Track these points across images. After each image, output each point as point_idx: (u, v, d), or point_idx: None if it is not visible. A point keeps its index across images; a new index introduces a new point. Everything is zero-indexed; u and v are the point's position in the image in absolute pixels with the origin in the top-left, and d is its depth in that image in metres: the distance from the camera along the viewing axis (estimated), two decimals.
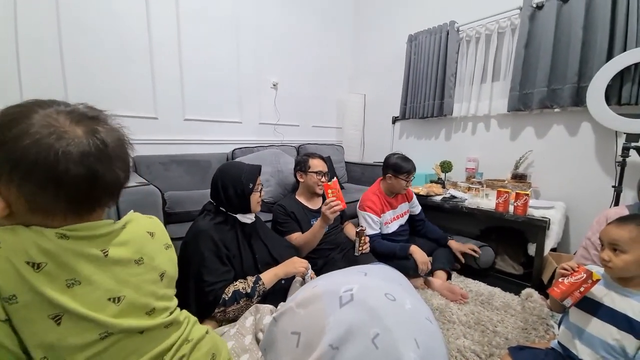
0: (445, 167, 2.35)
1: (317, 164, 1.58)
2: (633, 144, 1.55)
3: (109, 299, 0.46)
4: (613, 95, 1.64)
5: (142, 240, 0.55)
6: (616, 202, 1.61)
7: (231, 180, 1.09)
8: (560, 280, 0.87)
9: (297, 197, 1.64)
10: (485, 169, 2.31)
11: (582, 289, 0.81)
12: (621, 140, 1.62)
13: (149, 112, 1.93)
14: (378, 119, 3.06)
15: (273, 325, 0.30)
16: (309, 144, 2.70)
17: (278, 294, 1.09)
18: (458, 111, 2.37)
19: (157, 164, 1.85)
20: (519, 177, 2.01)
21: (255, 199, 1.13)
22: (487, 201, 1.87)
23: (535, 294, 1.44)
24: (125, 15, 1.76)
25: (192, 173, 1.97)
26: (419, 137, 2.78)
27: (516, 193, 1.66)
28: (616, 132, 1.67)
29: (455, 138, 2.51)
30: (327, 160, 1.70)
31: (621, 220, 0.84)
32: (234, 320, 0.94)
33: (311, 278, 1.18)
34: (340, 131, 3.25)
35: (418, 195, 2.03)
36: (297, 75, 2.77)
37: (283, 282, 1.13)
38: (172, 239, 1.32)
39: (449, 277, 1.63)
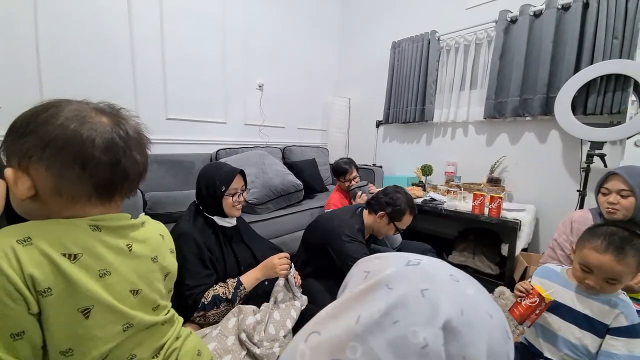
0: (426, 170, 2.44)
1: (407, 222, 1.38)
2: (597, 152, 1.67)
3: (130, 291, 0.49)
4: (579, 105, 1.77)
5: (157, 241, 0.59)
6: (581, 206, 1.73)
7: (205, 182, 1.07)
8: (518, 300, 0.92)
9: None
10: (463, 172, 2.41)
11: (537, 312, 0.88)
12: (586, 148, 1.74)
13: (129, 110, 1.88)
14: (362, 123, 3.12)
15: (354, 267, 0.37)
16: (294, 145, 2.72)
17: (261, 297, 1.08)
18: (438, 117, 2.47)
19: None
20: (494, 181, 2.12)
21: (228, 203, 1.07)
22: (464, 204, 1.95)
23: (507, 292, 1.52)
24: (106, 9, 1.71)
25: (175, 173, 1.93)
26: (401, 141, 2.86)
27: (491, 196, 1.74)
28: (581, 140, 1.79)
29: (436, 143, 2.60)
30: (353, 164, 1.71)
31: (619, 253, 0.80)
32: (215, 323, 0.94)
33: (294, 277, 1.17)
34: (325, 133, 3.29)
35: None
36: (283, 77, 2.78)
37: (266, 283, 1.13)
38: None
39: None
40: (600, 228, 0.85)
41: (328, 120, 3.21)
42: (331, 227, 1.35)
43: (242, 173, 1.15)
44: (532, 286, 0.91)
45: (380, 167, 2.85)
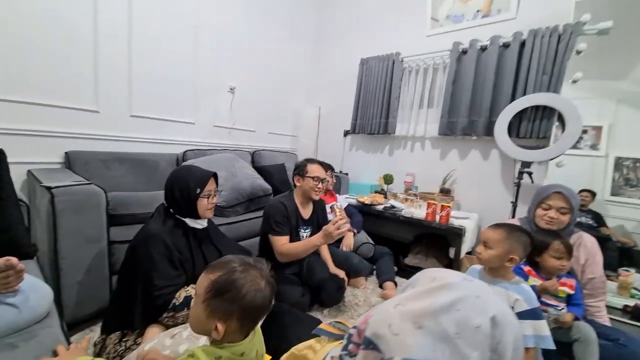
0: (388, 179, 2.63)
1: (315, 170, 1.57)
2: (526, 170, 1.98)
3: None
4: (514, 129, 2.07)
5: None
6: (513, 215, 2.02)
7: (179, 184, 1.09)
8: None
9: (294, 199, 1.61)
10: (420, 182, 2.64)
11: None
12: (518, 166, 2.04)
13: (90, 104, 1.78)
14: (331, 131, 3.25)
15: (420, 274, 0.50)
16: (264, 150, 2.75)
17: None
18: (400, 130, 2.69)
19: (96, 161, 1.72)
20: (445, 191, 2.37)
21: (203, 204, 1.11)
22: (419, 211, 2.16)
23: None
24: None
25: (137, 173, 1.87)
26: (366, 150, 3.04)
27: (441, 205, 1.96)
28: (514, 159, 2.10)
29: (397, 154, 2.82)
30: (327, 167, 1.72)
31: (495, 225, 1.09)
32: (183, 324, 0.95)
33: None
34: (295, 139, 3.37)
35: (363, 204, 2.25)
36: (255, 81, 2.81)
37: None
38: (114, 242, 1.28)
39: (395, 285, 1.84)
40: (503, 222, 1.11)
41: (298, 127, 3.30)
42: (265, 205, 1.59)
43: (215, 175, 1.18)
44: None
45: (347, 174, 3.00)
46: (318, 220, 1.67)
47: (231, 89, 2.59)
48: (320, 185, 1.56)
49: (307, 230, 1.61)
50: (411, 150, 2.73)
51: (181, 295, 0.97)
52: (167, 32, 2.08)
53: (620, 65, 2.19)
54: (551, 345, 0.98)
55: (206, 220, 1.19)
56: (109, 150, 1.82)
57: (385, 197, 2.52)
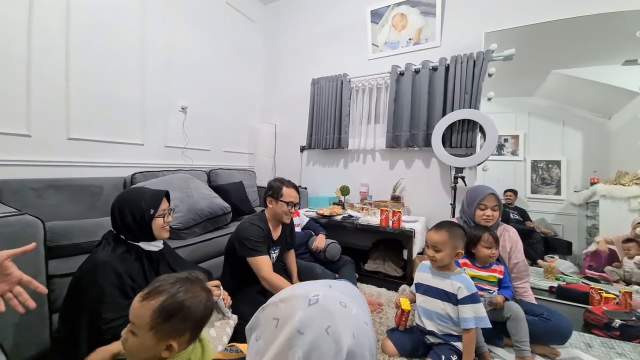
0: (344, 191, 2.77)
1: (290, 194, 1.53)
2: (459, 175, 2.27)
3: None
4: (447, 140, 2.37)
5: None
6: (452, 215, 2.28)
7: (129, 207, 1.04)
8: (396, 311, 1.39)
9: (267, 221, 1.57)
10: (374, 192, 2.83)
11: (403, 319, 1.33)
12: (453, 172, 2.33)
13: (19, 128, 1.62)
14: (288, 147, 3.34)
15: (260, 312, 0.41)
16: (220, 169, 2.72)
17: None
18: (352, 144, 2.88)
19: (26, 190, 1.55)
20: (396, 198, 2.58)
21: (158, 224, 1.08)
22: (375, 218, 2.32)
23: (407, 289, 1.86)
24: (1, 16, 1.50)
25: (77, 200, 1.73)
26: (323, 164, 3.18)
27: (393, 211, 2.14)
28: (450, 166, 2.39)
29: (351, 166, 3.00)
30: (298, 190, 1.66)
31: (436, 227, 1.25)
32: None
33: (224, 299, 1.21)
34: (252, 157, 3.38)
35: (322, 215, 2.34)
36: (208, 100, 2.80)
37: None
38: (54, 276, 1.18)
39: None
40: (440, 222, 1.27)
41: (255, 144, 3.32)
42: (238, 227, 1.52)
43: (166, 194, 1.17)
44: (399, 300, 1.34)
45: (305, 188, 3.09)
46: (286, 239, 1.68)
47: (183, 108, 2.55)
48: (292, 210, 1.55)
49: (275, 251, 1.60)
50: (363, 162, 2.93)
51: None
52: (109, 50, 2.01)
53: (529, 83, 2.65)
54: (488, 325, 1.14)
55: (161, 242, 1.15)
56: (42, 177, 1.65)
57: (343, 208, 2.64)
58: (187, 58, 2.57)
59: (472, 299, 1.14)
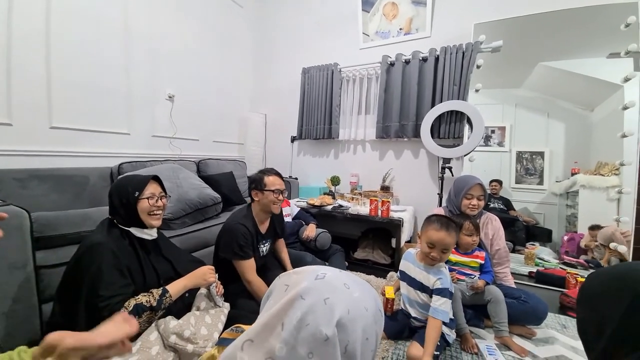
0: (335, 181, 2.80)
1: (274, 181, 1.50)
2: (446, 165, 2.32)
3: None
4: (435, 131, 2.41)
5: None
6: (440, 204, 2.34)
7: (117, 190, 1.07)
8: (381, 298, 1.45)
9: (254, 217, 1.53)
10: (364, 182, 2.87)
11: (389, 306, 1.45)
12: (441, 162, 2.38)
13: (0, 116, 1.57)
14: (278, 137, 3.33)
15: (277, 280, 0.48)
16: (209, 159, 2.69)
17: (181, 310, 1.09)
18: (342, 135, 2.89)
19: (9, 180, 1.51)
20: (385, 188, 2.62)
21: (143, 207, 1.07)
22: (364, 208, 2.36)
23: (395, 275, 1.93)
24: None
25: (61, 190, 1.69)
26: (313, 155, 3.18)
27: (382, 200, 2.18)
28: (438, 156, 2.44)
29: (342, 157, 3.02)
30: (282, 177, 1.62)
31: (445, 227, 1.18)
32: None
33: (217, 288, 1.24)
34: (242, 147, 3.35)
35: (313, 205, 2.37)
36: (196, 89, 2.75)
37: (187, 295, 1.16)
38: (42, 267, 1.18)
39: None
40: (432, 217, 1.27)
41: (245, 134, 3.29)
42: (224, 227, 1.51)
43: (156, 179, 1.16)
44: (384, 289, 1.44)
45: (296, 178, 3.10)
46: (275, 230, 1.68)
47: (170, 97, 2.49)
48: (280, 197, 1.50)
49: (266, 244, 1.60)
50: (354, 152, 2.95)
51: (131, 303, 0.94)
52: (91, 38, 1.93)
53: (516, 75, 2.68)
54: (447, 319, 1.18)
55: (155, 231, 1.16)
56: (24, 167, 1.61)
57: (334, 198, 2.67)
58: (173, 44, 2.50)
59: (440, 292, 1.19)
